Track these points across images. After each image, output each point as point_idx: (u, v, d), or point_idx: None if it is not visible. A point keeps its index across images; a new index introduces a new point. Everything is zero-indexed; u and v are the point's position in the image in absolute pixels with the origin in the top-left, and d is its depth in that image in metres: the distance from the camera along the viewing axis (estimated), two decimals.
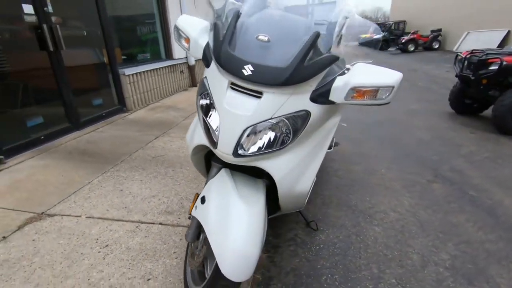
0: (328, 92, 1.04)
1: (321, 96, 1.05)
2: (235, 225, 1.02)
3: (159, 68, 5.05)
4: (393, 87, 1.03)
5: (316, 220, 1.82)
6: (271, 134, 1.02)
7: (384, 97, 1.04)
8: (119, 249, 1.56)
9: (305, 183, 1.18)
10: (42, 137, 2.95)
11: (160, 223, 1.76)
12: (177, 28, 1.27)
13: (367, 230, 1.73)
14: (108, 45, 3.91)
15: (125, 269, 1.43)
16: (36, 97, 3.00)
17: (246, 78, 0.97)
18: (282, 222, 1.80)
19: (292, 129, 1.03)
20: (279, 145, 1.04)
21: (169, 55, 5.60)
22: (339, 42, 1.14)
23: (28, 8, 2.82)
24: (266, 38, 1.02)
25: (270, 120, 1.00)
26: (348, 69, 1.08)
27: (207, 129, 1.09)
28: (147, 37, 5.18)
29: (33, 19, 2.87)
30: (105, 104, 3.97)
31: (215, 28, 1.12)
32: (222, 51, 1.02)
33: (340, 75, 1.07)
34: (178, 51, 5.76)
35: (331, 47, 1.10)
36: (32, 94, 2.96)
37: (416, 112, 4.30)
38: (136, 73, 4.40)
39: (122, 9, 4.61)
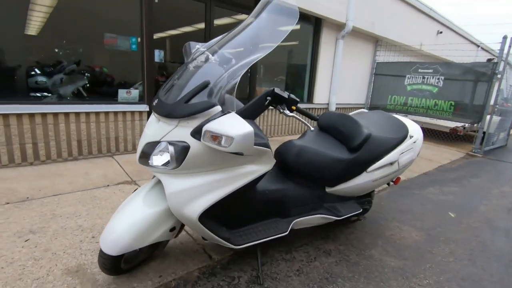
0: (201, 130, 1.20)
1: (198, 133, 1.21)
2: (126, 213, 1.36)
3: None
4: (233, 138, 1.06)
5: (272, 278, 1.70)
6: (165, 156, 1.29)
7: (226, 145, 1.09)
8: None
9: (195, 208, 1.31)
10: None
11: None
12: None
13: None
14: (251, 84, 4.99)
15: None
16: None
17: (152, 108, 1.34)
18: (243, 260, 1.82)
19: (175, 154, 1.25)
20: (166, 165, 1.28)
21: (310, 99, 6.16)
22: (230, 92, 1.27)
23: None
24: (175, 82, 1.33)
25: (161, 142, 1.28)
26: (221, 115, 1.19)
27: None
28: (294, 82, 6.01)
29: None
30: None
31: None
32: (160, 89, 1.42)
33: (214, 119, 1.19)
34: (320, 97, 6.22)
35: (219, 94, 1.24)
36: None
37: None
38: (269, 110, 5.27)
39: (277, 57, 5.70)
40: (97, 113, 3.43)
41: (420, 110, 6.46)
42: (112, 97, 3.64)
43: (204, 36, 4.29)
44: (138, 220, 1.34)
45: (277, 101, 1.43)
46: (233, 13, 4.72)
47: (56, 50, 3.34)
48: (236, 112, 1.44)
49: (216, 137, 1.15)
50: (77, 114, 3.31)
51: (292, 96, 1.46)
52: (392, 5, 7.07)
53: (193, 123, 1.25)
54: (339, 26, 5.99)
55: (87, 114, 3.37)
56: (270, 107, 1.48)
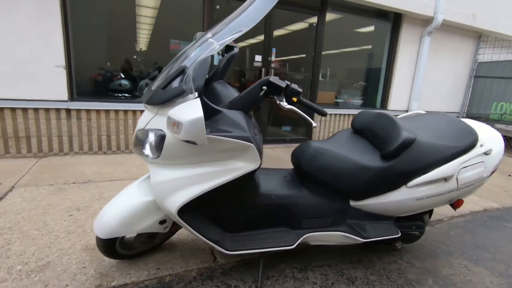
0: None
1: None
2: (119, 199, 1.39)
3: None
4: (182, 124, 0.94)
5: None
6: (149, 144, 1.26)
7: (178, 132, 0.98)
8: None
9: (176, 200, 1.24)
10: None
11: None
12: None
13: None
14: (312, 87, 4.73)
15: None
16: None
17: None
18: (248, 270, 1.65)
19: (154, 143, 1.21)
20: (149, 154, 1.25)
21: (384, 105, 5.47)
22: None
23: (258, 58, 4.25)
24: (163, 69, 1.28)
25: (147, 130, 1.25)
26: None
27: None
28: (367, 87, 5.44)
29: (259, 64, 4.28)
30: (292, 132, 4.85)
31: None
32: None
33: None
34: (397, 103, 5.47)
35: (190, 80, 1.13)
36: None
37: None
38: (331, 114, 4.88)
39: (349, 62, 5.27)
40: None
41: None
42: None
43: (263, 40, 4.28)
44: (127, 206, 1.35)
45: (275, 92, 1.25)
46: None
47: (134, 57, 3.85)
48: (228, 103, 1.32)
49: (174, 123, 1.05)
50: (142, 111, 3.71)
51: (294, 86, 1.25)
52: None
53: (167, 110, 1.19)
54: (424, 21, 5.15)
55: None
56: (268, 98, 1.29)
